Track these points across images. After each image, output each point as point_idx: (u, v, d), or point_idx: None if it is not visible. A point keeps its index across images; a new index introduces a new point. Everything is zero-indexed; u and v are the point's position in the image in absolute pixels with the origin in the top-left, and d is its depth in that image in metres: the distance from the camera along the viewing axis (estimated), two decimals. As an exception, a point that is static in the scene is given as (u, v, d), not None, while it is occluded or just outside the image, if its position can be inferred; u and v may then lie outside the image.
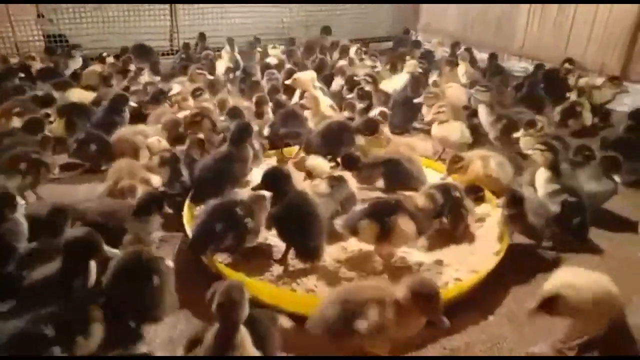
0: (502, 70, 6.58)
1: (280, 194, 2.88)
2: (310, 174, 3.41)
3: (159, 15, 7.54)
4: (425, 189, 3.05)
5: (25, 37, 6.86)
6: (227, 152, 3.51)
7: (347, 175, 3.36)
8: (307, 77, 5.21)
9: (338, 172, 3.34)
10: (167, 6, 7.52)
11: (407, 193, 3.00)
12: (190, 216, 3.19)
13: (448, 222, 3.17)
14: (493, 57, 6.76)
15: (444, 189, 3.12)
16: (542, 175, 3.41)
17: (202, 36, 7.25)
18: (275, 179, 2.92)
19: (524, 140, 4.34)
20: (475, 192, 3.46)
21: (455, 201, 3.12)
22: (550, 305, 2.26)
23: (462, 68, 6.32)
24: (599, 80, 5.69)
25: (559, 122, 5.12)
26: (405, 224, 2.76)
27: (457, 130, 4.33)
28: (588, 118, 5.18)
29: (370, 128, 4.06)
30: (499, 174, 3.70)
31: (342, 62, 6.35)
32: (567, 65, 6.22)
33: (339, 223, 2.79)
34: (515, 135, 4.41)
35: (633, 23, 5.82)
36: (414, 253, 2.95)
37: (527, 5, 7.13)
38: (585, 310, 2.26)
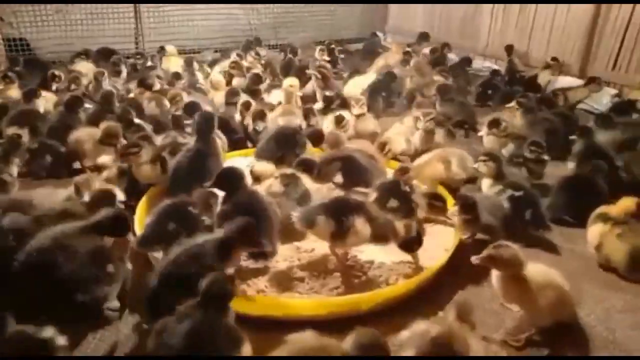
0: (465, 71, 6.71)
1: (232, 193, 2.87)
2: (258, 179, 3.39)
3: (123, 18, 7.44)
4: (375, 186, 3.06)
5: (-17, 41, 6.69)
6: (198, 148, 3.47)
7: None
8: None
9: (290, 170, 3.32)
10: (131, 9, 7.42)
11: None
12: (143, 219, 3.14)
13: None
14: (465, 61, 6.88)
15: (394, 185, 3.15)
16: (485, 183, 3.53)
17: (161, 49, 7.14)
18: (228, 178, 2.91)
19: (487, 139, 4.42)
20: (436, 200, 3.33)
21: (405, 196, 3.13)
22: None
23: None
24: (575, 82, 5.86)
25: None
26: (362, 226, 2.76)
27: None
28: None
29: (315, 138, 4.09)
30: (462, 174, 3.76)
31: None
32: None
33: (295, 215, 2.78)
34: (479, 134, 4.50)
35: (589, 23, 5.98)
36: (365, 251, 2.96)
37: (489, 7, 7.27)
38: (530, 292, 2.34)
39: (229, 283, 2.12)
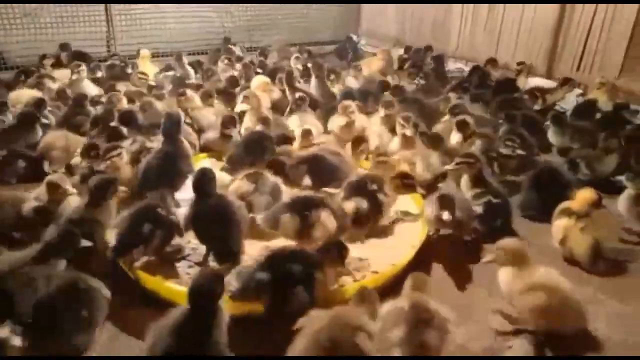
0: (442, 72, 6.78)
1: (202, 195, 2.88)
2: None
3: (94, 21, 7.35)
4: (344, 185, 3.11)
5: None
6: (166, 150, 3.50)
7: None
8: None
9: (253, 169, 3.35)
10: (102, 11, 7.34)
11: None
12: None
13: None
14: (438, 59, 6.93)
15: (361, 183, 3.21)
16: (464, 182, 3.58)
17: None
18: (199, 180, 2.92)
19: (454, 137, 4.48)
20: (406, 178, 3.41)
21: (371, 194, 3.19)
22: None
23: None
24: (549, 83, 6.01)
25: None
26: (326, 219, 2.85)
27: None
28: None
29: (284, 142, 4.13)
30: (426, 175, 3.84)
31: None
32: (517, 66, 6.34)
33: (259, 218, 2.81)
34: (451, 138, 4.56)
35: (554, 25, 6.15)
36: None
37: (459, 10, 7.41)
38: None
39: (219, 281, 2.13)
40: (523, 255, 2.54)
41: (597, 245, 3.01)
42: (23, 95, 5.10)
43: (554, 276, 2.48)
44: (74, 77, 5.57)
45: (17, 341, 1.99)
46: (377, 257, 2.97)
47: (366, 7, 9.44)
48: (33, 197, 3.19)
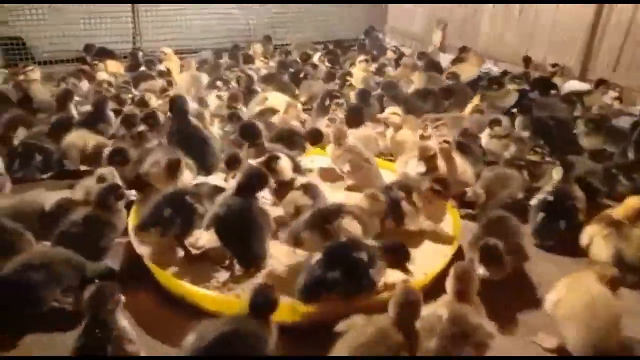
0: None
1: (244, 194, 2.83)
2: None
3: (120, 17, 7.37)
4: (368, 191, 3.01)
5: (-22, 40, 6.63)
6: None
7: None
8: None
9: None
10: (129, 8, 7.36)
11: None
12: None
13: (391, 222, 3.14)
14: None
15: (385, 190, 3.12)
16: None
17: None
18: (252, 178, 2.88)
19: (488, 140, 4.34)
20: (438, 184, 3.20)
21: (395, 202, 3.09)
22: None
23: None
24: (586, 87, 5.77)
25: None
26: (349, 225, 2.76)
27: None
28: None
29: (313, 137, 4.06)
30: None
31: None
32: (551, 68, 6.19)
33: (282, 237, 2.76)
34: (481, 135, 4.42)
35: (590, 24, 5.93)
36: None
37: (489, 9, 7.22)
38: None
39: (272, 293, 2.13)
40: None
41: (618, 256, 2.88)
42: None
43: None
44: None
45: None
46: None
47: (393, 5, 9.29)
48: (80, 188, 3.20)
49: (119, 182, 3.21)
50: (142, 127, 4.09)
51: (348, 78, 5.97)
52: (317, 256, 2.49)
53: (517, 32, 6.90)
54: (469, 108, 5.13)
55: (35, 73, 5.45)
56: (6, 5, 6.68)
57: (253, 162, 3.28)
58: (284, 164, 3.33)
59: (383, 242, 2.58)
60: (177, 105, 3.84)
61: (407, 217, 3.11)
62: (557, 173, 3.43)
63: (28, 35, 6.93)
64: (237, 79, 5.87)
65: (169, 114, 4.10)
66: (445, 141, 3.67)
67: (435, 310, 2.10)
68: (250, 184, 2.84)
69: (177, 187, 3.05)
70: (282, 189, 3.21)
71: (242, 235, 2.68)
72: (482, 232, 2.85)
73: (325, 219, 2.74)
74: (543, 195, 3.34)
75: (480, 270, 2.54)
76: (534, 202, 3.37)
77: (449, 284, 2.22)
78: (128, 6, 7.36)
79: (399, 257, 2.56)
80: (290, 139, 4.13)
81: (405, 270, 2.57)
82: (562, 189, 3.33)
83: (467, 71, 6.34)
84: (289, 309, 2.40)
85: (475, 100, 5.30)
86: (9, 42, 6.82)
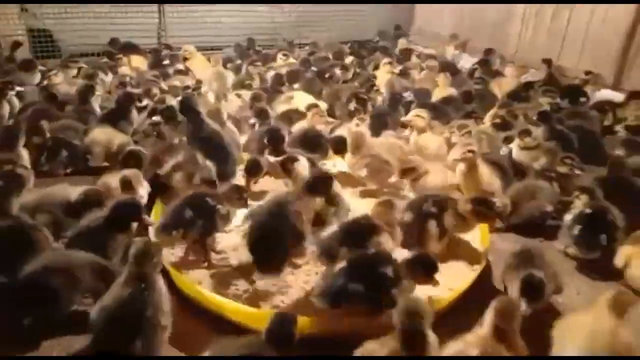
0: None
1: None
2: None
3: (146, 12, 7.39)
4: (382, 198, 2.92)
5: (8, 32, 6.66)
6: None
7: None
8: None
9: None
10: (155, 4, 7.37)
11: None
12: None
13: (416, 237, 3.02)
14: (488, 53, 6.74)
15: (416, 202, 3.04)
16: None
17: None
18: (319, 181, 2.89)
19: (518, 151, 4.20)
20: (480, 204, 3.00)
21: (423, 218, 2.99)
22: None
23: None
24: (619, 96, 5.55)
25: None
26: (386, 242, 2.66)
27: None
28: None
29: (338, 145, 3.98)
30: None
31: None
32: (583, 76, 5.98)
33: (313, 250, 2.65)
34: (510, 145, 4.29)
35: (627, 29, 5.72)
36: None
37: (521, 11, 7.04)
38: None
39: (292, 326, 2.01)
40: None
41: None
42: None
43: None
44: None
45: None
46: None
47: (421, 6, 9.15)
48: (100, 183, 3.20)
49: (143, 192, 3.15)
50: (156, 118, 4.14)
51: (373, 80, 5.89)
52: (342, 264, 2.41)
53: (548, 38, 6.71)
54: (489, 117, 4.95)
55: (58, 77, 5.48)
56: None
57: (271, 159, 3.26)
58: (301, 166, 3.27)
59: (411, 255, 2.49)
60: (185, 106, 3.72)
61: (431, 239, 2.98)
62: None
63: (56, 29, 6.98)
64: (260, 76, 5.82)
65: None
66: (469, 151, 3.55)
67: (465, 349, 1.92)
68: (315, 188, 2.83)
69: (199, 189, 3.00)
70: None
71: (273, 245, 2.63)
72: (517, 261, 2.67)
73: (361, 236, 2.62)
74: (579, 208, 3.17)
75: (523, 306, 2.32)
76: (569, 216, 3.19)
77: (488, 319, 2.00)
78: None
79: (426, 271, 2.45)
80: (315, 142, 4.08)
81: (432, 283, 2.47)
82: (600, 203, 3.16)
83: (507, 85, 6.08)
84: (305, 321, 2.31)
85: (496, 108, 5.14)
86: (37, 34, 6.86)
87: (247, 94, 5.21)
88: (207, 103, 4.68)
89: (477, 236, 3.18)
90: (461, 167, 3.54)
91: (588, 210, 3.10)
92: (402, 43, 8.22)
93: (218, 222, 2.85)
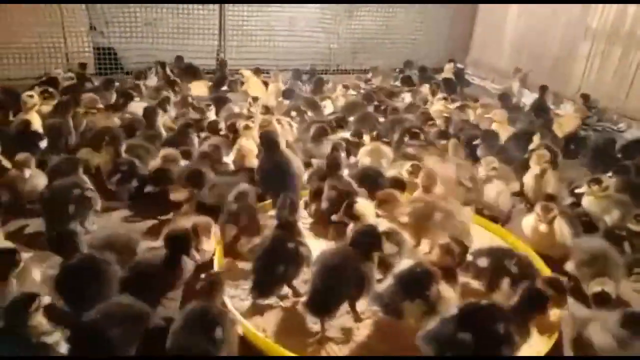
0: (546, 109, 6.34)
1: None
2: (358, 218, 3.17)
3: (207, 34, 7.55)
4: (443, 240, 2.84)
5: (76, 49, 6.93)
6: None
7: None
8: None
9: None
10: (216, 26, 7.52)
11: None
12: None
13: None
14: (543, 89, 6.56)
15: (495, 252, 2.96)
16: None
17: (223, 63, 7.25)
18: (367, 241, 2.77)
19: (587, 200, 4.02)
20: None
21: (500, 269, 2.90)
22: None
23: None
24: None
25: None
26: (447, 292, 2.58)
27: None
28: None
29: (398, 186, 3.84)
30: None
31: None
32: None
33: (374, 303, 2.58)
34: (577, 191, 4.11)
35: None
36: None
37: (586, 50, 6.80)
38: None
39: None
40: None
41: None
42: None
43: None
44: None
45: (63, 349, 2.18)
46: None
47: (478, 36, 9.03)
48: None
49: (208, 247, 3.12)
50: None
51: (429, 113, 5.80)
52: (453, 311, 2.34)
53: (615, 78, 6.46)
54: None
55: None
56: (104, 16, 6.98)
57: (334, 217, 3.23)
58: (364, 209, 3.20)
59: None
60: (267, 141, 3.82)
61: (499, 295, 2.86)
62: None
63: (120, 47, 7.21)
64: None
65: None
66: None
67: None
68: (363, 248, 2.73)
69: (278, 237, 2.91)
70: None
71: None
72: None
73: (420, 286, 2.53)
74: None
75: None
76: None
77: None
78: (216, 24, 7.52)
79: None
80: (374, 180, 3.96)
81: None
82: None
83: (569, 124, 5.90)
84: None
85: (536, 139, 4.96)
86: (102, 52, 7.12)
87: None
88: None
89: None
90: (542, 226, 3.34)
91: None
92: (447, 70, 8.16)
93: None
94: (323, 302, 2.56)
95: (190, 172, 3.80)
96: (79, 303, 2.46)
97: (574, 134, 5.61)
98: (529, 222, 3.45)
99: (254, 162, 4.22)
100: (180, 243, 2.80)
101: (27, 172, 3.60)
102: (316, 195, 3.73)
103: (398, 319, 2.52)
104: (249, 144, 4.43)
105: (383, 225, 3.10)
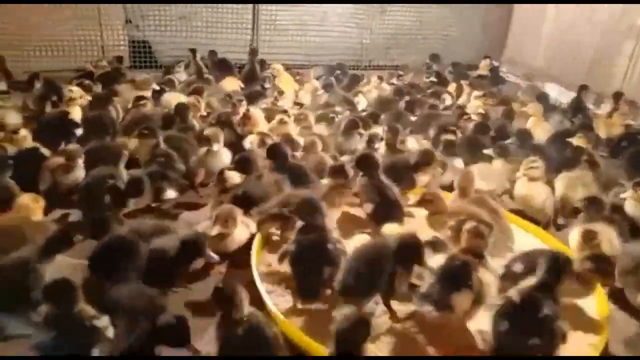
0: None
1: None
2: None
3: (240, 28, 7.55)
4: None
5: (111, 42, 7.02)
6: None
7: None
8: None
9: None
10: (250, 20, 7.53)
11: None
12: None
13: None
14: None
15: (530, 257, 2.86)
16: None
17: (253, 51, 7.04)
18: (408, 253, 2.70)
19: (631, 203, 3.87)
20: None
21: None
22: None
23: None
24: None
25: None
26: (486, 276, 2.58)
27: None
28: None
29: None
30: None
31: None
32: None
33: (422, 304, 2.50)
34: (622, 195, 3.96)
35: None
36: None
37: (630, 49, 6.57)
38: None
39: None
40: None
41: None
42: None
43: None
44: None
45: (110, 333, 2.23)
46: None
47: (514, 33, 8.82)
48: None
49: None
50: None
51: (464, 110, 5.72)
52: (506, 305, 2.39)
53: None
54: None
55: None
56: (140, 10, 7.05)
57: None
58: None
59: None
60: (274, 154, 3.82)
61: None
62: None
63: (155, 40, 7.28)
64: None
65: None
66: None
67: None
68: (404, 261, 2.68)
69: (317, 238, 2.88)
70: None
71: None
72: None
73: (463, 275, 2.50)
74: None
75: None
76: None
77: None
78: (249, 18, 7.53)
79: None
80: (401, 172, 3.95)
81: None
82: None
83: (612, 126, 5.73)
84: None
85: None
86: (137, 45, 7.19)
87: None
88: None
89: (591, 304, 2.92)
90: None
91: None
92: (483, 66, 8.02)
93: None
94: (356, 287, 2.58)
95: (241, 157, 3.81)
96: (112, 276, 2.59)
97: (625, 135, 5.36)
98: (575, 237, 3.27)
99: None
100: (193, 247, 2.87)
101: (80, 162, 3.73)
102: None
103: (450, 313, 2.47)
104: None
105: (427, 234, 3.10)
